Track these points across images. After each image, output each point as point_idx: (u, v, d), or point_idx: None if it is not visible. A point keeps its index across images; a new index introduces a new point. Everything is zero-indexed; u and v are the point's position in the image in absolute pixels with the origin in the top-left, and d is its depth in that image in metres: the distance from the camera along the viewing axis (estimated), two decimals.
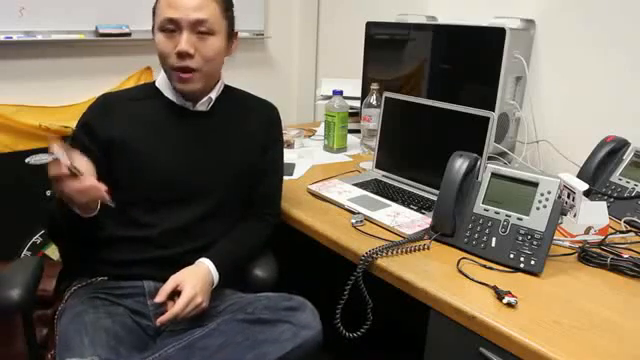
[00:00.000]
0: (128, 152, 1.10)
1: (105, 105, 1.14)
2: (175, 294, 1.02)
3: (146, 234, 1.10)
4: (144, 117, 1.13)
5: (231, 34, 1.16)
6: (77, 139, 1.11)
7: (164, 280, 1.04)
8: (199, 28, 1.07)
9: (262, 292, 1.13)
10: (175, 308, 0.99)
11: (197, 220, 1.13)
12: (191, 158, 1.14)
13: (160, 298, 1.00)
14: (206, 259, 1.10)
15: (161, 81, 1.17)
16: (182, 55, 1.06)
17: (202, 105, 1.17)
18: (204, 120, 1.17)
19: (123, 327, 1.02)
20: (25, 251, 1.92)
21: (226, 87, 1.24)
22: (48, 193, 1.23)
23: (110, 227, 1.09)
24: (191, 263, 1.09)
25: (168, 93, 1.16)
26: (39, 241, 1.93)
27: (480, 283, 0.96)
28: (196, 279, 1.04)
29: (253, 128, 1.23)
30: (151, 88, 1.18)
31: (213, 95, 1.17)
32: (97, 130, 1.09)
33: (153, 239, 1.10)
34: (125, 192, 1.08)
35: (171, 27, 1.06)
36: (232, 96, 1.23)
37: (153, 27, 1.11)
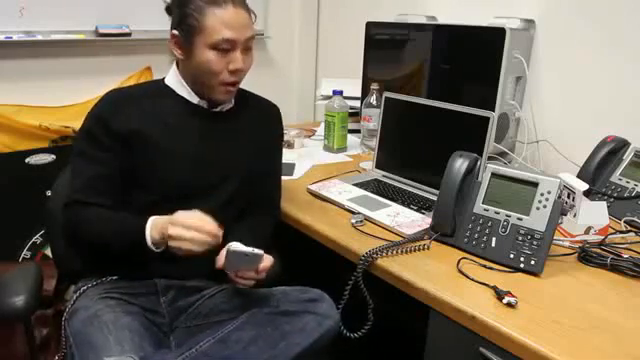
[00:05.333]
0: (145, 148, 1.09)
1: (118, 100, 1.13)
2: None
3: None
4: (160, 114, 1.13)
5: None
6: (92, 133, 1.09)
7: (176, 277, 1.08)
8: (247, 45, 1.10)
9: (265, 287, 1.15)
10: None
11: (210, 215, 1.13)
12: (208, 155, 1.15)
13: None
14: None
15: (173, 80, 1.17)
16: (237, 72, 1.10)
17: (219, 106, 1.18)
18: (218, 119, 1.19)
19: (141, 325, 1.04)
20: (25, 251, 1.92)
21: None
22: (48, 193, 1.23)
23: None
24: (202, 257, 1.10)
25: (183, 92, 1.16)
26: (39, 241, 1.93)
27: (480, 283, 0.96)
28: None
29: (260, 127, 1.25)
30: (161, 86, 1.18)
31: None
32: (113, 123, 1.08)
33: None
34: (140, 188, 1.09)
35: (227, 47, 1.08)
36: (239, 95, 1.24)
37: (188, 39, 1.08)
